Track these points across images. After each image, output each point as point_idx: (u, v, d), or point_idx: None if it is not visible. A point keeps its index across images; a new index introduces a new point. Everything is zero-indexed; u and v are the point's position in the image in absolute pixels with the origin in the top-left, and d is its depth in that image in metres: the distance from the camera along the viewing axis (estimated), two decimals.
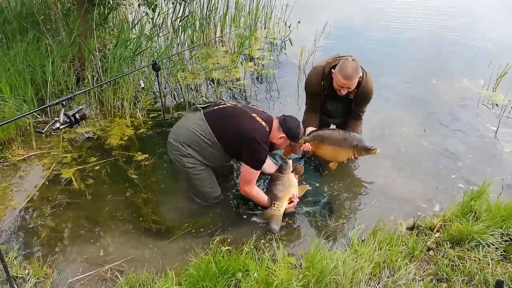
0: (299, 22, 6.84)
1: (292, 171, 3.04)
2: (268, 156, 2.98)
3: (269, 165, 3.16)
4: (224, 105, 2.88)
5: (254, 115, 2.77)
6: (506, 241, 2.51)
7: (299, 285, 2.09)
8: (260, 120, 2.75)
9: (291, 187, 2.90)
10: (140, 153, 3.45)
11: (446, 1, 8.39)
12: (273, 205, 2.80)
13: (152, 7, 4.51)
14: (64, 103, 2.39)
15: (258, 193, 2.87)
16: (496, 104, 4.57)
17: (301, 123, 2.86)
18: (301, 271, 2.24)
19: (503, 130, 4.07)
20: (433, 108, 4.46)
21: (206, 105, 2.91)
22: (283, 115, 2.83)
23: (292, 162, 3.12)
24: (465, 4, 8.44)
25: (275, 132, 2.77)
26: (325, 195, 3.10)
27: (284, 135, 2.76)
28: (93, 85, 3.93)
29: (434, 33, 6.83)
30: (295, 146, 2.97)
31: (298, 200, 2.87)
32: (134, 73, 4.33)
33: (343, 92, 2.91)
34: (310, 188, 3.10)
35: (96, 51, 4.25)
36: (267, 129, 2.74)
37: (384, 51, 5.87)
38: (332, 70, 2.94)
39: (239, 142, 2.70)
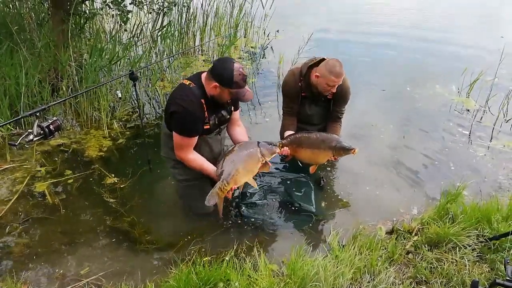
0: (277, 31, 6.93)
1: (264, 160, 2.61)
2: None
3: (243, 134, 2.84)
4: None
5: (183, 81, 2.51)
6: (482, 242, 2.57)
7: None
8: (186, 81, 2.47)
9: (249, 174, 2.55)
10: (113, 175, 3.31)
11: (422, 10, 8.66)
12: (221, 183, 2.42)
13: (124, 20, 4.48)
14: (37, 114, 2.34)
15: (195, 160, 2.53)
16: (468, 110, 4.72)
17: (235, 65, 2.35)
18: (283, 279, 2.23)
19: (475, 134, 4.20)
20: (408, 114, 4.57)
21: None
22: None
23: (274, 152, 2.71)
24: (440, 11, 8.72)
25: (207, 83, 2.42)
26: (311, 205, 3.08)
27: (216, 83, 2.36)
28: (68, 96, 3.86)
29: (409, 41, 7.03)
30: (238, 93, 2.41)
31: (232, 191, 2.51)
32: (111, 83, 4.28)
33: (333, 91, 2.94)
34: (257, 188, 2.85)
35: (71, 61, 4.17)
36: (192, 85, 2.43)
37: (360, 59, 5.99)
38: (318, 73, 2.91)
39: (169, 114, 2.47)
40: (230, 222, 2.90)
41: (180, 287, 2.12)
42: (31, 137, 2.29)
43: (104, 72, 4.29)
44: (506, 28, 7.90)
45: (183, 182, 2.78)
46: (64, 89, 4.12)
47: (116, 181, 3.24)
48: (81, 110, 4.05)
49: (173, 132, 2.47)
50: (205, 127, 2.51)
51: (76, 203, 3.04)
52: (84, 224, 2.86)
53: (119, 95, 2.91)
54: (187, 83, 2.46)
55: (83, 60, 4.58)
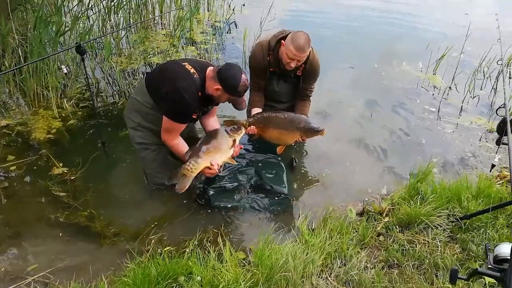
0: (243, 5, 6.62)
1: (233, 139, 2.64)
2: None
3: (215, 121, 2.85)
4: (165, 62, 2.66)
5: (184, 63, 2.47)
6: (452, 222, 2.52)
7: (247, 285, 1.93)
8: (189, 67, 2.44)
9: (219, 153, 2.55)
10: (61, 164, 2.98)
11: None
12: (188, 163, 2.45)
13: None
14: None
15: (178, 144, 2.56)
16: (435, 87, 4.69)
17: (243, 75, 2.40)
18: (250, 269, 2.08)
19: (443, 111, 4.17)
20: (376, 91, 4.47)
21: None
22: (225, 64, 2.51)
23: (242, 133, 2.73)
24: None
25: (210, 82, 2.43)
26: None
27: (220, 87, 2.40)
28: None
29: (378, 17, 6.92)
30: (236, 101, 2.54)
31: (218, 168, 2.53)
32: (60, 59, 3.89)
33: (293, 65, 2.73)
34: (236, 163, 2.79)
35: (14, 34, 3.75)
36: (196, 76, 2.42)
37: (328, 36, 5.82)
38: (283, 41, 2.75)
39: (163, 93, 2.41)
40: (197, 208, 2.70)
41: (137, 283, 1.92)
42: None
43: (51, 45, 3.88)
44: (471, 5, 7.94)
45: (141, 145, 2.69)
46: (6, 64, 3.70)
47: (65, 171, 2.92)
48: (27, 87, 3.66)
49: (164, 116, 2.45)
50: (193, 116, 2.56)
51: (20, 192, 2.74)
52: (30, 216, 2.57)
53: (65, 70, 2.60)
54: (191, 71, 2.42)
55: (29, 34, 4.14)
